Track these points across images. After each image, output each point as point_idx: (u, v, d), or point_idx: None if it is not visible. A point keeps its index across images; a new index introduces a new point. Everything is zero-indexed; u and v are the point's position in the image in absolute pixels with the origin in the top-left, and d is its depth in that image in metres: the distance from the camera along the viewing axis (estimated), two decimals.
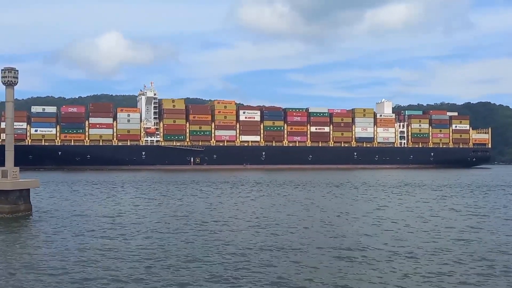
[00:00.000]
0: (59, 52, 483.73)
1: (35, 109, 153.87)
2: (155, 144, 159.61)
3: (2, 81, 37.33)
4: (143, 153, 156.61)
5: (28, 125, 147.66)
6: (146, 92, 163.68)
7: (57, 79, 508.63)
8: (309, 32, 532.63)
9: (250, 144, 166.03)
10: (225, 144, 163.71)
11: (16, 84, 37.81)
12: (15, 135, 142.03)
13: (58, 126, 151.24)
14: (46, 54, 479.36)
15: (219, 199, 48.81)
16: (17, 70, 37.77)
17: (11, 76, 37.27)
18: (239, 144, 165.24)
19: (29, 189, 37.36)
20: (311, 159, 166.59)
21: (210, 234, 27.82)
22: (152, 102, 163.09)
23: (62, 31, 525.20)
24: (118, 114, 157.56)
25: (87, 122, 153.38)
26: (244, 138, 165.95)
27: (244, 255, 22.27)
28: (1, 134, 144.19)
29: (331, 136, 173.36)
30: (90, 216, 35.32)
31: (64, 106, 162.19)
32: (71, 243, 25.15)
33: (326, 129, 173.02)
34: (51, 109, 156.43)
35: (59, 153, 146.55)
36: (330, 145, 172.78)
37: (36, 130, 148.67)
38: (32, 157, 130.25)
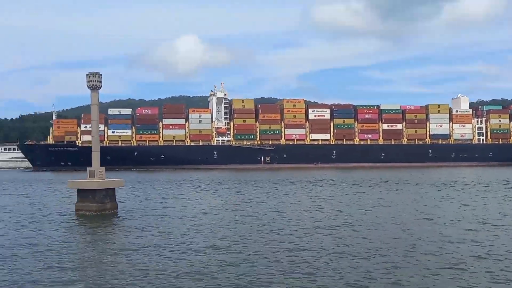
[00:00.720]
0: (140, 56, 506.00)
1: (112, 111, 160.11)
2: (226, 143, 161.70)
3: (87, 85, 38.80)
4: (215, 152, 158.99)
5: (106, 127, 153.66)
6: (216, 93, 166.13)
7: (138, 82, 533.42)
8: (385, 28, 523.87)
9: (320, 143, 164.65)
10: (295, 143, 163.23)
11: (100, 87, 39.19)
12: None
13: (133, 127, 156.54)
14: (128, 58, 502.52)
15: (298, 198, 48.37)
16: (101, 75, 39.14)
17: (95, 80, 38.67)
18: (309, 143, 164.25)
19: (114, 188, 38.60)
20: (383, 157, 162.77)
21: (290, 236, 27.46)
22: (223, 103, 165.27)
23: (142, 35, 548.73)
24: (190, 115, 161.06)
25: (160, 123, 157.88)
26: (314, 136, 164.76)
27: (332, 261, 21.71)
28: (81, 136, 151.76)
29: (404, 133, 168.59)
30: (172, 215, 35.92)
31: (139, 108, 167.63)
32: (156, 241, 25.58)
33: (399, 126, 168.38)
34: (127, 111, 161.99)
35: (135, 153, 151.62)
36: (403, 143, 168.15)
37: (113, 132, 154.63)
38: (110, 157, 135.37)
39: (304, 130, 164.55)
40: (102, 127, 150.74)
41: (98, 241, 26.03)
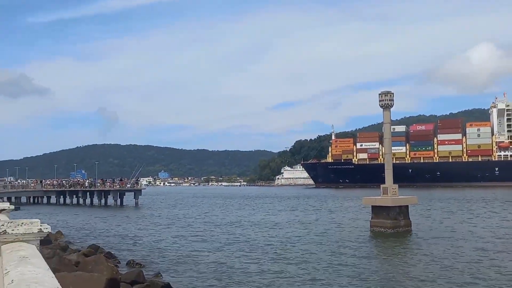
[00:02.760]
0: (431, 71, 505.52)
1: None
2: (509, 159, 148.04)
3: (379, 104, 40.20)
4: (496, 169, 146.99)
5: (380, 145, 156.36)
6: (497, 104, 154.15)
7: (429, 97, 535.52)
8: None
9: None
10: None
11: (392, 106, 40.15)
12: (369, 155, 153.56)
13: (407, 144, 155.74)
14: (420, 75, 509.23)
15: None
16: (393, 93, 40.11)
17: (387, 99, 39.83)
18: None
19: (407, 205, 38.89)
20: None
21: None
22: (505, 114, 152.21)
23: (433, 50, 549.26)
24: (467, 129, 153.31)
25: (435, 139, 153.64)
26: None
27: None
28: (357, 154, 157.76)
29: None
30: (468, 235, 34.03)
31: (413, 125, 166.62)
32: (450, 265, 23.52)
33: None
34: (401, 128, 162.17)
35: (410, 170, 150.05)
36: None
37: None
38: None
39: None
40: (376, 145, 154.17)
41: (399, 257, 26.16)
